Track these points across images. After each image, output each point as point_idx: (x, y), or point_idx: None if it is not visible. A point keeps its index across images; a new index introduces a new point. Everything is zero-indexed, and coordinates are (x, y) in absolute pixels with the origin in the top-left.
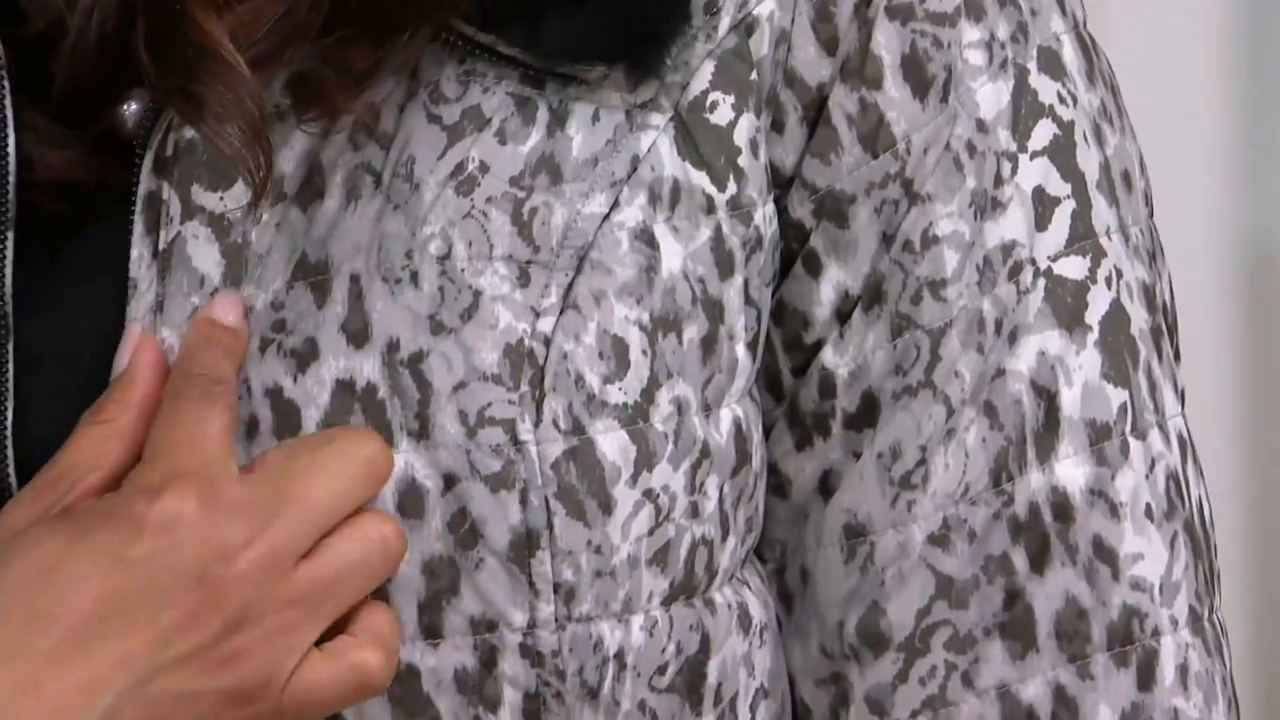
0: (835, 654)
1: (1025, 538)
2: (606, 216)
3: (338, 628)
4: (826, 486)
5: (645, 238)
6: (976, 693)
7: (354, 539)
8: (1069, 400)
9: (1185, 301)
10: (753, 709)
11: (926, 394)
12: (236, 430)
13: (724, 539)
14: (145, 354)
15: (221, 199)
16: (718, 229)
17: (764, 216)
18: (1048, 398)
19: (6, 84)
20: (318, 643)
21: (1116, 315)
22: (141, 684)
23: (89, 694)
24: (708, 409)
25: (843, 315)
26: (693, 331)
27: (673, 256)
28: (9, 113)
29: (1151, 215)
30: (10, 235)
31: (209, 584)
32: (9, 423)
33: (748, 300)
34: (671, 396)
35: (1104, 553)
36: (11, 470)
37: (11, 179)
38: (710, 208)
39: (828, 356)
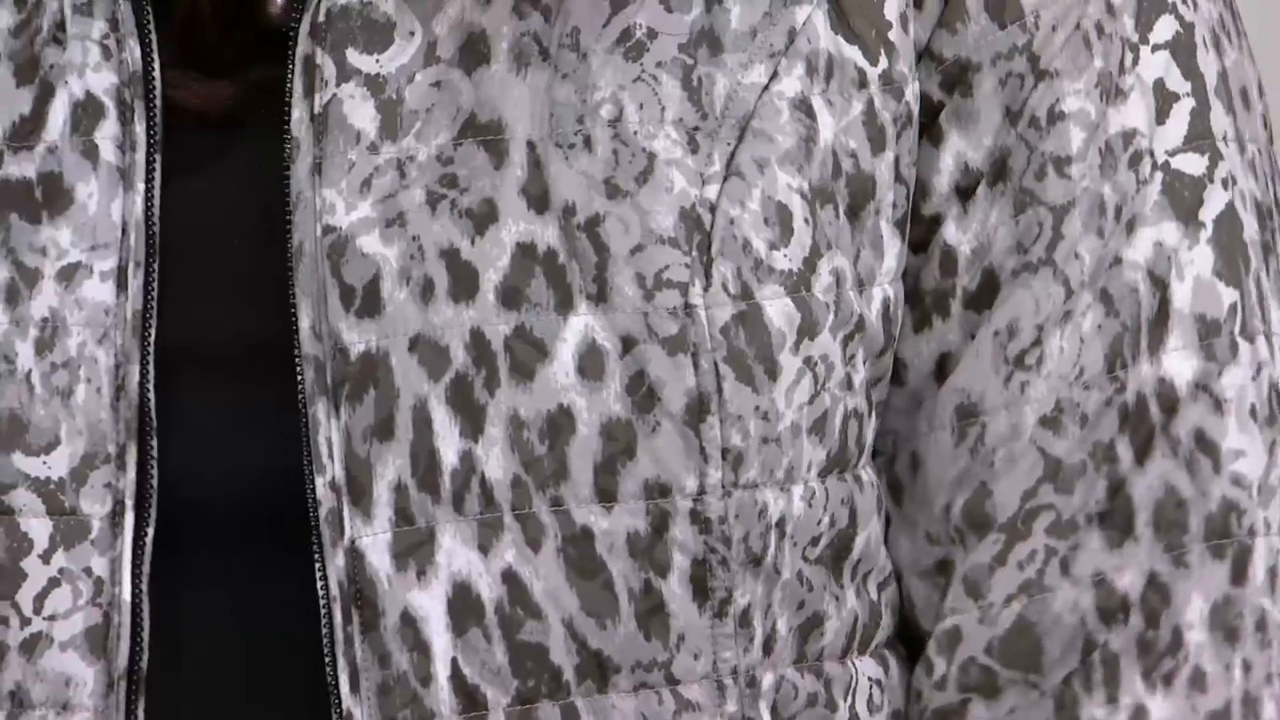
0: (940, 539)
1: (1131, 427)
2: (766, 87)
3: None
4: (942, 370)
5: (804, 108)
6: (1073, 580)
7: None
8: (1180, 294)
9: None
10: (881, 588)
11: (1047, 272)
12: (411, 292)
13: (870, 415)
14: None
15: (377, 61)
16: (870, 103)
17: (914, 94)
18: (1161, 289)
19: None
20: None
21: (1230, 218)
22: None
23: None
24: (861, 285)
25: (963, 191)
26: (844, 205)
27: (827, 129)
28: (152, 34)
29: (1271, 142)
30: (159, 157)
31: None
32: (153, 335)
33: (898, 177)
34: (831, 267)
35: (1206, 445)
36: (151, 380)
37: (159, 102)
38: (863, 82)
39: (950, 233)
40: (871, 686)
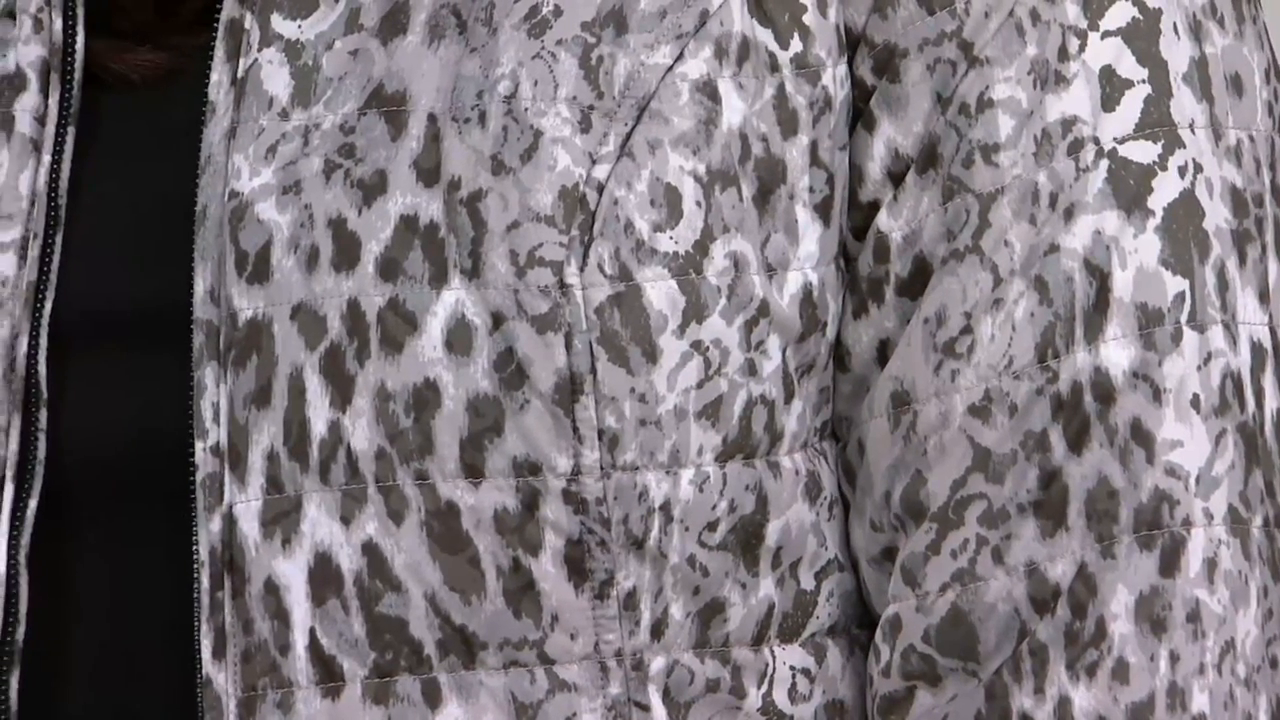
0: (884, 526)
1: (1065, 417)
2: (670, 68)
3: None
4: (883, 356)
5: (708, 91)
6: (1006, 569)
7: None
8: (1121, 282)
9: None
10: (819, 577)
11: (974, 259)
12: (297, 260)
13: (788, 401)
14: None
15: (299, 26)
16: (781, 87)
17: (834, 78)
18: (1100, 277)
19: None
20: None
21: (1186, 205)
22: None
23: None
24: (770, 270)
25: (895, 177)
26: (752, 189)
27: (735, 112)
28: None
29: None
30: (72, 129)
31: None
32: (47, 306)
33: (815, 161)
34: (728, 251)
35: (1141, 435)
36: (42, 352)
37: (77, 74)
38: (774, 65)
39: (882, 220)
40: (796, 676)
